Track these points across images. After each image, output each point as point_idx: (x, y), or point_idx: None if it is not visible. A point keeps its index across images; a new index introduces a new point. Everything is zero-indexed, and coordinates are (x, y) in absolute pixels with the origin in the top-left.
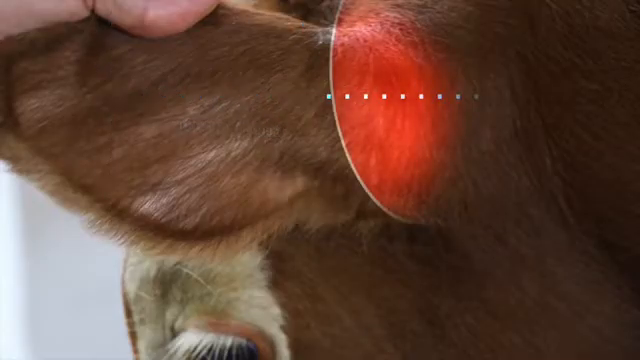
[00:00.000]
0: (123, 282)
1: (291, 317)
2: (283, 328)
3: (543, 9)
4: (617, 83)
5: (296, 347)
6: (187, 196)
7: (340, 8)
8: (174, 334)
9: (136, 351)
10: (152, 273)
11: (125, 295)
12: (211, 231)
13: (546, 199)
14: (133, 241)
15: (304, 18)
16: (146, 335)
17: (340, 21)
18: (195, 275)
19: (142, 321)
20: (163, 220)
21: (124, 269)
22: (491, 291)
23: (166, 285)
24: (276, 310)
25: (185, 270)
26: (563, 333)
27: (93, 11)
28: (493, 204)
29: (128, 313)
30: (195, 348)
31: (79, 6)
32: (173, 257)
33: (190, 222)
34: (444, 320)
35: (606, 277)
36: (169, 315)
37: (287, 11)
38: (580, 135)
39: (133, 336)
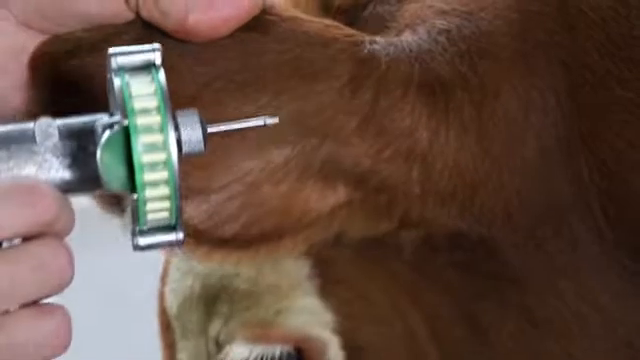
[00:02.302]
0: (162, 296)
1: (344, 320)
2: (335, 331)
3: (581, 17)
4: None
5: (350, 347)
6: (227, 204)
7: (386, 16)
8: (219, 347)
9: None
10: (196, 289)
11: (165, 310)
12: (250, 240)
13: (583, 209)
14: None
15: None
16: (189, 349)
17: (387, 28)
18: (244, 287)
19: (184, 336)
20: (202, 227)
21: (163, 284)
22: (531, 299)
23: (210, 300)
24: (327, 315)
25: (234, 283)
26: (595, 344)
27: (137, 14)
28: (536, 213)
29: (167, 327)
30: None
31: (122, 8)
32: (210, 263)
33: (229, 230)
34: (487, 327)
35: (639, 289)
36: (213, 329)
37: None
38: (615, 144)
39: (170, 348)
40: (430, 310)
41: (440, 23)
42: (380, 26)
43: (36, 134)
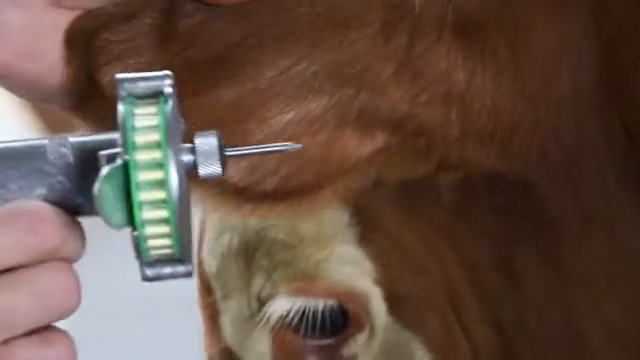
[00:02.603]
0: (200, 260)
1: (384, 270)
2: (377, 281)
3: None
4: None
5: (392, 298)
6: (266, 158)
7: None
8: (261, 303)
9: (217, 330)
10: (234, 245)
11: (203, 273)
12: (291, 191)
13: (617, 163)
14: (214, 206)
15: None
16: (231, 309)
17: None
18: (282, 237)
19: (226, 296)
20: (243, 184)
21: (199, 246)
22: (565, 245)
23: (250, 254)
24: (368, 264)
25: (270, 235)
26: (623, 301)
27: None
28: (571, 152)
29: (207, 291)
30: (287, 314)
31: None
32: (255, 219)
33: (270, 184)
34: (521, 273)
35: None
36: (255, 285)
37: None
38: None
39: (212, 317)
40: (467, 255)
41: None
42: None
43: (48, 153)
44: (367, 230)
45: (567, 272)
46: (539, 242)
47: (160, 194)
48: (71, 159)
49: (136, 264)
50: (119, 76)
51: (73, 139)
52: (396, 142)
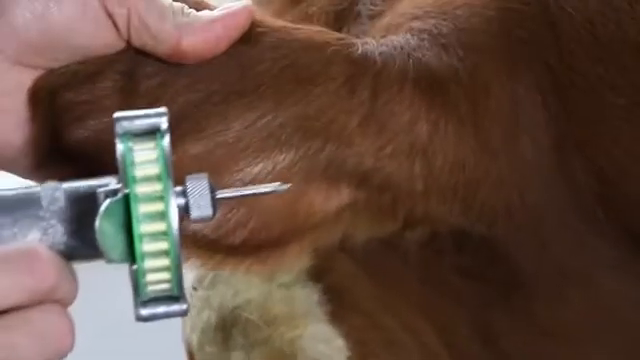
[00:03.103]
0: (184, 332)
1: (357, 347)
2: (350, 359)
3: (564, 17)
4: None
5: None
6: (235, 211)
7: (360, 35)
8: None
9: None
10: (212, 321)
11: (188, 344)
12: (259, 245)
13: (586, 212)
14: (188, 255)
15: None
16: None
17: (366, 33)
18: (255, 318)
19: None
20: (213, 236)
21: (184, 320)
22: (539, 305)
23: (227, 331)
24: (340, 342)
25: (244, 314)
26: (611, 352)
27: (129, 42)
28: (537, 212)
29: None
30: None
31: (114, 38)
32: (224, 271)
33: (239, 237)
34: (498, 336)
35: None
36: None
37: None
38: (610, 151)
39: None
40: (442, 324)
41: (416, 25)
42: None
43: (41, 198)
44: (338, 308)
45: (546, 329)
46: (513, 306)
47: (160, 226)
48: (64, 203)
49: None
50: (117, 114)
51: (66, 184)
52: (362, 197)
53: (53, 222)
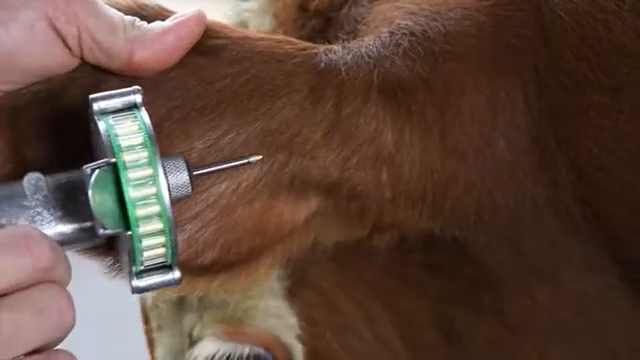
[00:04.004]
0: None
1: (308, 326)
2: (299, 337)
3: (555, 20)
4: (629, 99)
5: (313, 357)
6: (202, 231)
7: (358, 18)
8: (192, 341)
9: (154, 358)
10: None
11: (143, 302)
12: (230, 263)
13: (562, 211)
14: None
15: (323, 28)
16: (164, 342)
17: (357, 31)
18: None
19: (160, 327)
20: (182, 257)
21: None
22: (506, 302)
23: None
24: (292, 319)
25: None
26: (578, 349)
27: (82, 59)
28: (509, 213)
29: (146, 320)
30: (213, 357)
31: (66, 57)
32: (196, 292)
33: (208, 257)
34: (460, 331)
35: (623, 295)
36: (187, 322)
37: (307, 19)
38: (592, 149)
39: (151, 343)
40: (403, 315)
41: (405, 24)
42: (353, 27)
43: (25, 188)
44: (296, 284)
45: (513, 325)
46: (479, 303)
47: (151, 190)
48: (47, 192)
49: None
50: (92, 95)
51: (47, 176)
52: (331, 206)
53: (39, 209)
